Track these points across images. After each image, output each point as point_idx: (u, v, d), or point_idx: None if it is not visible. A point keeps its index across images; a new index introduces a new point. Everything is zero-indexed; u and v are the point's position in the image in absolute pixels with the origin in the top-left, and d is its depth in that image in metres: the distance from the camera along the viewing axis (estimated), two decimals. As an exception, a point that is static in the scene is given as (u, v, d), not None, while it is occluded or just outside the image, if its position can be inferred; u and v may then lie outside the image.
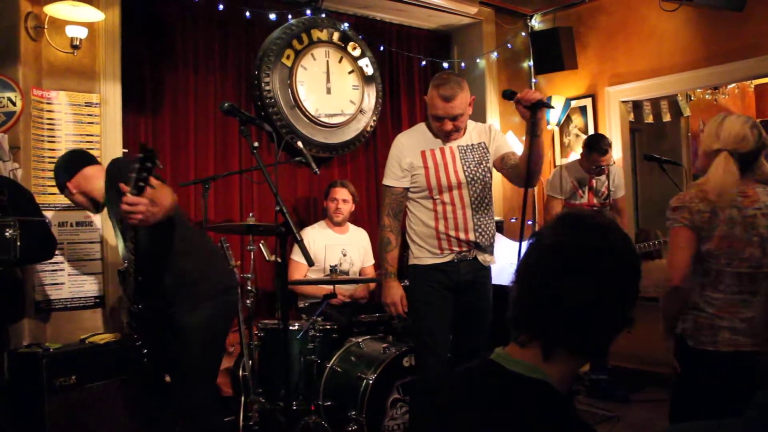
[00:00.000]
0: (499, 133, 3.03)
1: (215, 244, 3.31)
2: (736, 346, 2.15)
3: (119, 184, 2.15)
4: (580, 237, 1.12)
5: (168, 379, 2.67)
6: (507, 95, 2.64)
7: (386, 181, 2.94)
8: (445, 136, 2.87)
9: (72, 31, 3.30)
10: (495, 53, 5.18)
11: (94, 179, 2.71)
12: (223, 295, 2.69)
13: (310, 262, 2.43)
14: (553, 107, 2.65)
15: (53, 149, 3.31)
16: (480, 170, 2.88)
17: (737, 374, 2.09)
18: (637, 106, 5.37)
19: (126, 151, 3.61)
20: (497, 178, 3.62)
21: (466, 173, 2.87)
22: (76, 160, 2.76)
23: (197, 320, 2.57)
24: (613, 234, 1.13)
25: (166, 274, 2.58)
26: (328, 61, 4.46)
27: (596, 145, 4.32)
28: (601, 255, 1.10)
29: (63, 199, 3.32)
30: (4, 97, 3.10)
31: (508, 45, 5.29)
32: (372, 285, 4.19)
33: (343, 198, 4.13)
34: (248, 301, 3.34)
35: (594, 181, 4.43)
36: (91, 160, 2.81)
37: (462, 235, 2.85)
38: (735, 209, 2.19)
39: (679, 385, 2.34)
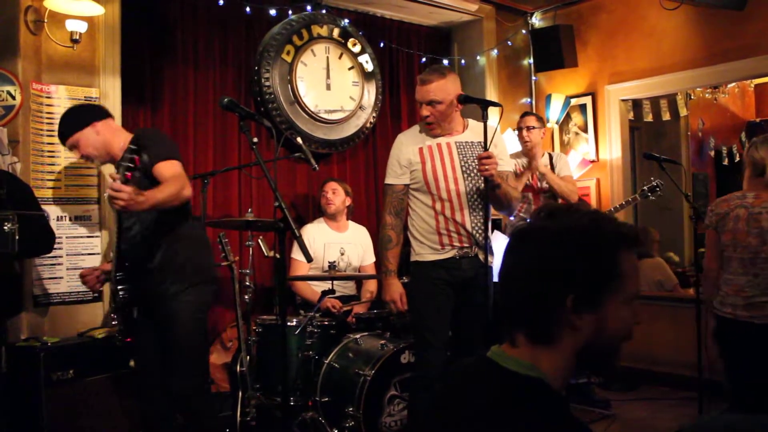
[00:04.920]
0: (500, 139, 3.04)
1: (206, 236, 3.31)
2: (734, 316, 2.83)
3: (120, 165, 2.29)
4: (537, 221, 1.16)
5: (132, 363, 2.76)
6: (462, 99, 2.87)
7: (387, 180, 2.99)
8: (427, 126, 2.91)
9: (72, 25, 3.29)
10: (495, 51, 5.18)
11: (120, 132, 2.75)
12: (206, 284, 2.76)
13: (309, 258, 2.42)
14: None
15: (52, 143, 3.30)
16: (477, 166, 2.88)
17: (738, 338, 2.82)
18: (636, 104, 5.36)
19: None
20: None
21: (463, 168, 2.88)
22: (101, 108, 2.83)
23: (181, 306, 2.64)
24: (567, 216, 1.12)
25: (155, 254, 2.64)
26: (328, 57, 4.45)
27: (518, 121, 4.32)
28: (544, 234, 1.11)
29: (62, 193, 3.33)
30: (3, 91, 3.09)
31: (509, 42, 5.28)
32: (373, 294, 4.11)
33: (332, 189, 4.10)
34: (246, 297, 3.34)
35: (537, 164, 4.23)
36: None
37: (462, 230, 2.86)
38: (743, 209, 2.84)
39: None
